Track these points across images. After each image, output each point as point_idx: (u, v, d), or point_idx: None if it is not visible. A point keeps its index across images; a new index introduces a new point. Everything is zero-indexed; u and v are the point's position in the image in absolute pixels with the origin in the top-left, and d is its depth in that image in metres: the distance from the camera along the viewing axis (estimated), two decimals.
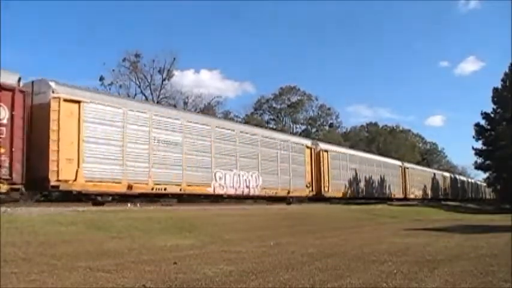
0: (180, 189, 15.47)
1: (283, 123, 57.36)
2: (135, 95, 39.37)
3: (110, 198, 13.36)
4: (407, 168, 37.50)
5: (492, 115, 37.95)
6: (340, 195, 25.85)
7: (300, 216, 16.92)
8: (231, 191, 17.67)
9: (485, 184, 60.10)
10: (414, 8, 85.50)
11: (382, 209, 25.14)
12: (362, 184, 29.18)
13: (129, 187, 13.65)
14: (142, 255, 7.01)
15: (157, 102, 36.21)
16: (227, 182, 17.48)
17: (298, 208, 19.84)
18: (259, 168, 19.28)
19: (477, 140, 39.67)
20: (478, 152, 40.13)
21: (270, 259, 6.90)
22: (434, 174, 46.02)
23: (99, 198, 12.98)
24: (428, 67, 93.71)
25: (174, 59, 40.26)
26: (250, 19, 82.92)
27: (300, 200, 22.06)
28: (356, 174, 28.35)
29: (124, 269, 5.67)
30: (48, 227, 8.51)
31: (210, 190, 16.63)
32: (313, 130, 57.72)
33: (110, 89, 38.15)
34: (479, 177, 61.00)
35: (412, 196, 36.85)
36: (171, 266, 6.04)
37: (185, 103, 42.34)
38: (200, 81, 63.45)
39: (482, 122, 38.94)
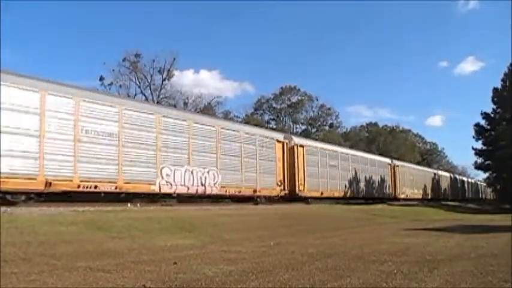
0: (116, 187, 13.57)
1: (283, 123, 57.40)
2: (135, 95, 39.51)
3: (23, 197, 11.76)
4: (397, 166, 35.30)
5: (492, 115, 38.00)
6: (318, 194, 23.55)
7: (299, 216, 16.92)
8: (182, 190, 15.69)
9: (485, 184, 60.22)
10: (414, 8, 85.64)
11: (382, 209, 25.14)
12: (345, 183, 26.85)
13: (48, 184, 11.86)
14: (142, 255, 7.01)
15: (158, 102, 36.27)
16: (177, 180, 15.45)
17: (298, 208, 19.83)
18: (217, 164, 17.14)
19: (477, 140, 39.80)
20: (478, 152, 40.20)
21: (270, 259, 6.89)
22: (431, 173, 44.66)
23: (8, 197, 11.36)
24: (428, 67, 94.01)
25: (174, 59, 40.39)
26: (250, 19, 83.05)
27: (271, 200, 20.31)
28: (338, 172, 26.07)
29: (124, 269, 5.67)
30: (48, 227, 8.51)
31: (154, 188, 14.74)
32: (313, 130, 57.75)
33: (109, 89, 38.32)
34: (479, 177, 61.16)
35: (402, 196, 34.76)
36: (171, 266, 6.04)
37: (185, 103, 42.42)
38: (200, 81, 63.59)
39: (482, 122, 39.04)
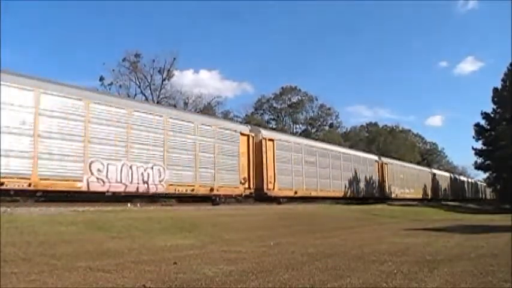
0: (30, 184, 11.63)
1: (284, 123, 57.44)
2: (135, 95, 39.52)
3: None
4: (386, 163, 33.22)
5: (492, 115, 38.01)
6: (291, 194, 21.40)
7: (299, 216, 16.93)
8: (118, 188, 13.62)
9: (485, 184, 60.24)
10: (413, 8, 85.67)
11: (382, 209, 25.15)
12: (325, 181, 24.52)
13: None
14: (142, 255, 7.01)
15: (158, 102, 36.26)
16: (111, 176, 13.39)
17: (298, 208, 19.82)
18: (164, 159, 15.06)
19: (477, 140, 39.81)
20: (478, 152, 40.22)
21: (270, 259, 6.89)
22: (426, 172, 43.35)
23: None
24: (427, 67, 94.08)
25: (174, 59, 40.37)
26: (250, 19, 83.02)
27: (237, 200, 18.56)
28: (316, 169, 23.73)
29: (124, 269, 5.67)
30: (48, 227, 8.51)
31: (81, 186, 12.70)
32: (313, 130, 57.78)
33: (110, 89, 38.31)
34: (479, 177, 61.17)
35: (392, 196, 32.96)
36: (171, 266, 6.04)
37: (185, 103, 42.44)
38: (199, 81, 63.60)
39: (482, 122, 39.05)
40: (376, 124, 66.05)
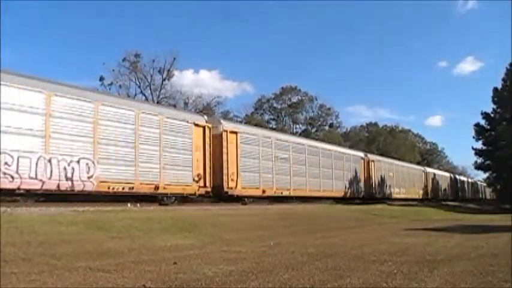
0: None
1: (284, 123, 57.48)
2: (135, 95, 39.53)
3: None
4: (373, 161, 31.16)
5: (492, 115, 38.02)
6: (258, 193, 19.36)
7: (299, 216, 16.93)
8: (32, 185, 11.69)
9: (485, 184, 60.25)
10: (413, 8, 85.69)
11: (382, 209, 25.15)
12: (298, 179, 22.19)
13: None
14: (142, 255, 7.01)
15: (158, 102, 36.28)
16: (23, 171, 11.43)
17: (298, 208, 19.82)
18: (94, 153, 13.06)
19: (477, 140, 39.81)
20: (478, 152, 40.23)
21: (270, 259, 6.89)
22: (419, 170, 41.46)
23: None
24: (427, 67, 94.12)
25: (174, 59, 40.37)
26: (250, 19, 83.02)
27: (193, 199, 16.70)
28: (289, 166, 21.52)
29: (124, 269, 5.67)
30: (48, 227, 8.51)
31: None
32: (313, 130, 57.81)
33: (110, 89, 38.32)
34: (479, 177, 61.18)
35: (380, 196, 31.19)
36: (171, 266, 6.04)
37: (185, 103, 42.45)
38: (199, 81, 63.61)
39: (482, 122, 39.05)
40: (376, 124, 66.13)
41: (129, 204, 13.83)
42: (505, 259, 6.88)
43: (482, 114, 38.80)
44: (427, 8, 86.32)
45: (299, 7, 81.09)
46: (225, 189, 17.46)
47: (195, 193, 16.39)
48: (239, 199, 18.36)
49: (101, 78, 38.90)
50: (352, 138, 57.95)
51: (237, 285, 4.93)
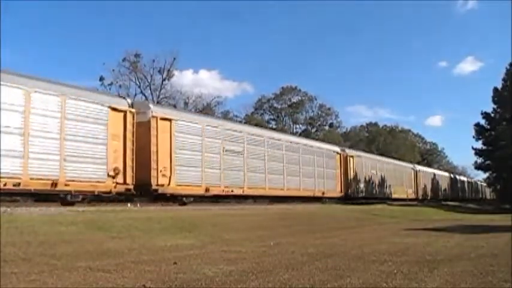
0: None
1: (284, 123, 57.51)
2: (135, 95, 39.56)
3: None
4: (352, 156, 28.30)
5: (492, 115, 38.01)
6: (200, 191, 16.44)
7: (299, 216, 16.92)
8: None
9: (485, 184, 60.22)
10: (413, 8, 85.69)
11: (382, 209, 25.15)
12: (254, 175, 19.33)
13: None
14: (142, 255, 7.01)
15: (158, 102, 36.28)
16: None
17: (298, 208, 19.81)
18: None
19: (477, 140, 39.81)
20: (478, 152, 40.22)
21: (270, 259, 6.89)
22: (408, 168, 38.46)
23: None
24: (427, 67, 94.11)
25: (174, 59, 40.45)
26: (249, 19, 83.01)
27: (110, 198, 13.88)
28: (243, 160, 18.61)
29: (124, 269, 5.66)
30: (48, 227, 8.51)
31: None
32: (313, 130, 57.85)
33: (109, 89, 38.36)
34: (479, 177, 61.15)
35: (361, 195, 28.55)
36: (171, 266, 6.04)
37: (186, 103, 42.48)
38: (199, 81, 63.61)
39: (482, 122, 39.05)
40: (376, 124, 66.17)
41: (129, 204, 13.83)
42: (505, 259, 6.88)
43: (482, 114, 38.81)
44: (427, 8, 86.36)
45: (299, 7, 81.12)
46: (154, 187, 14.61)
47: (111, 191, 13.54)
48: (177, 199, 15.68)
49: (101, 78, 39.02)
50: (352, 138, 57.97)
51: (237, 285, 4.92)
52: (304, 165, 23.20)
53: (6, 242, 6.78)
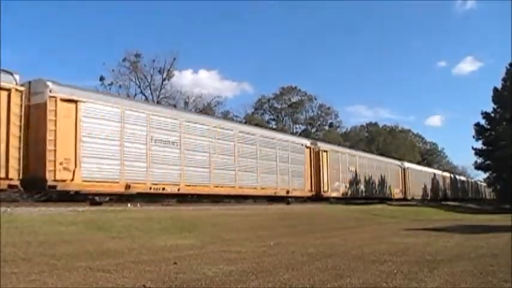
0: None
1: (284, 123, 57.51)
2: (135, 95, 39.58)
3: None
4: (325, 151, 25.07)
5: (492, 115, 38.00)
6: (119, 189, 13.90)
7: (299, 216, 16.92)
8: None
9: (485, 184, 60.23)
10: (412, 8, 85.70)
11: (382, 209, 25.15)
12: (195, 171, 16.50)
13: None
14: (142, 255, 7.01)
15: (158, 102, 36.30)
16: None
17: (298, 208, 19.80)
18: None
19: (477, 140, 39.78)
20: (478, 152, 40.20)
21: (270, 259, 6.89)
22: (395, 165, 35.61)
23: None
24: (427, 67, 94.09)
25: (174, 59, 40.42)
26: (249, 19, 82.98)
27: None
28: (178, 152, 15.88)
29: (124, 269, 5.67)
30: (48, 227, 8.51)
31: None
32: (313, 130, 57.85)
33: (110, 89, 38.37)
34: (479, 177, 61.16)
35: (334, 194, 25.52)
36: (171, 266, 6.04)
37: (186, 103, 42.48)
38: (198, 81, 63.57)
39: (482, 122, 39.04)
40: (376, 124, 66.15)
41: (129, 204, 13.83)
42: (505, 259, 6.89)
43: (482, 114, 38.78)
44: (427, 8, 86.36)
45: (299, 7, 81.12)
46: (50, 183, 12.04)
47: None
48: (87, 198, 13.17)
49: (101, 78, 38.99)
50: (352, 138, 57.98)
51: (237, 285, 4.93)
52: (263, 160, 20.26)
53: (6, 242, 6.79)
